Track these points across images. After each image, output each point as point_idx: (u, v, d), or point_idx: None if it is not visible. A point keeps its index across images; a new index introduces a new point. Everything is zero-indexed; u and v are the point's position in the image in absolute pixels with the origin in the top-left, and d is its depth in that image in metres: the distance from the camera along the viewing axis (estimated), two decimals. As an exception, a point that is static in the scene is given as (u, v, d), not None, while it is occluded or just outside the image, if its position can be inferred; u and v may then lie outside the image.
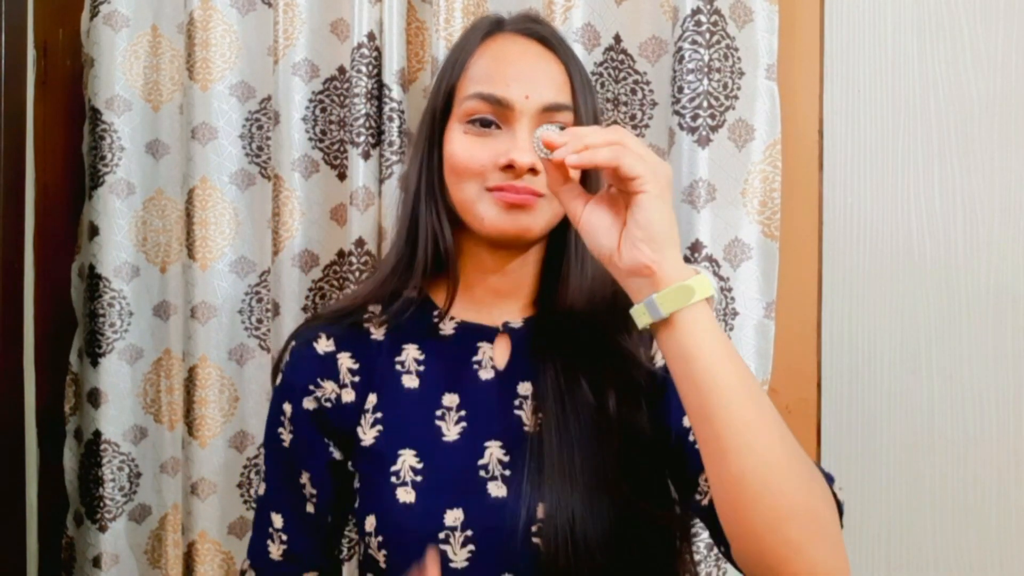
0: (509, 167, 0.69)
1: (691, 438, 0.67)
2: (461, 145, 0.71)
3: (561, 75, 0.73)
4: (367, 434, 0.73)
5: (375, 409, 0.74)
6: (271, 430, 0.78)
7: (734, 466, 0.55)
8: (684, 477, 0.69)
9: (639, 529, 0.68)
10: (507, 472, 0.69)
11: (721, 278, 0.98)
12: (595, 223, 0.61)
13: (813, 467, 0.59)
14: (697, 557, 0.94)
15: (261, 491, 0.79)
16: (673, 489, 0.73)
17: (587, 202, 0.62)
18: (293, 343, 0.78)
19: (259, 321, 1.13)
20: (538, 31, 0.76)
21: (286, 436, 0.76)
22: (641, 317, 0.59)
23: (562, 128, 0.69)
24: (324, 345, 0.77)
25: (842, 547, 0.56)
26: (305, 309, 1.06)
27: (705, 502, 0.65)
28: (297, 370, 0.77)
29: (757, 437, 0.55)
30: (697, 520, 0.92)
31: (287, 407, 0.76)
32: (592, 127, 0.62)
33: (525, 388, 0.73)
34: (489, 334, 0.76)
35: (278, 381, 0.78)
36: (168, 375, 1.17)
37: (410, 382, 0.75)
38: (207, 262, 1.10)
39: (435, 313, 0.77)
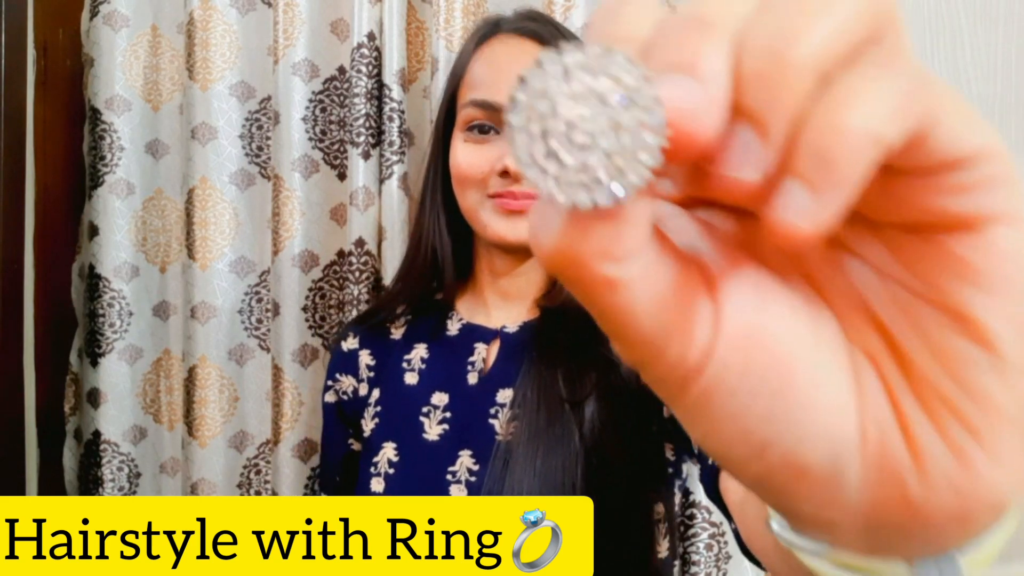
0: (506, 173, 0.68)
1: None
2: (462, 153, 0.72)
3: None
4: (367, 426, 0.76)
5: (376, 403, 0.77)
6: (322, 418, 0.86)
7: None
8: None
9: (601, 539, 0.66)
10: (473, 479, 0.69)
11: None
12: (788, 349, 0.17)
13: None
14: (696, 557, 0.94)
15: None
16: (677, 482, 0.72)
17: (715, 279, 0.17)
18: (333, 342, 0.87)
19: (259, 321, 1.13)
20: (533, 29, 0.74)
21: (324, 425, 0.84)
22: None
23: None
24: (350, 343, 0.82)
25: None
26: (305, 309, 1.06)
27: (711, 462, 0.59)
28: (329, 366, 0.84)
29: None
30: (696, 522, 0.93)
31: (324, 397, 0.84)
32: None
33: (504, 395, 0.72)
34: (487, 336, 0.76)
35: None
36: (168, 375, 1.17)
37: (411, 379, 0.76)
38: (207, 262, 1.10)
39: (448, 314, 0.78)
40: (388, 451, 0.72)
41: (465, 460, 0.70)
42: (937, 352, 0.16)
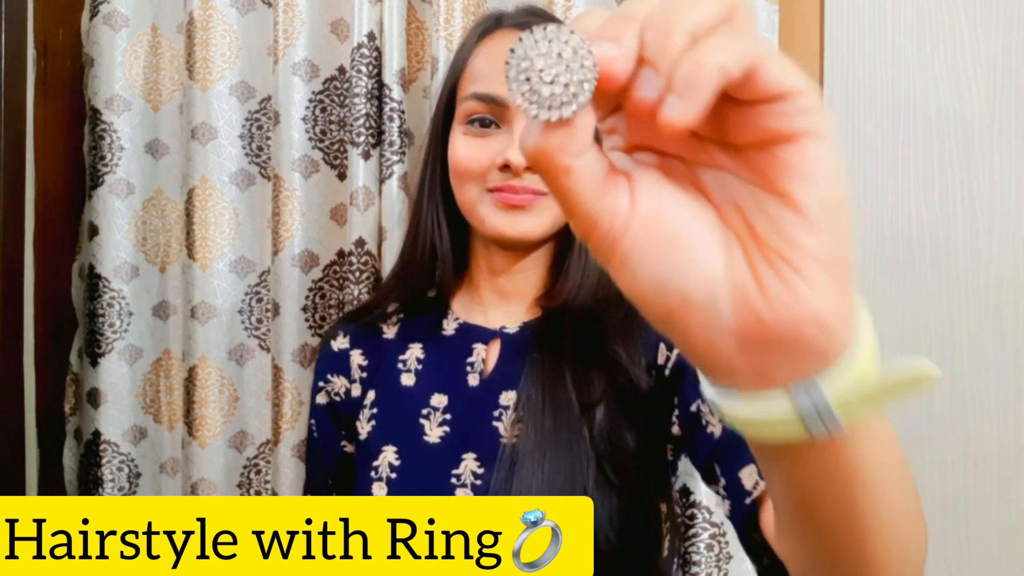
0: (507, 167, 0.68)
1: (708, 429, 0.64)
2: (461, 147, 0.71)
3: None
4: (363, 428, 0.75)
5: (372, 405, 0.76)
6: (309, 420, 0.84)
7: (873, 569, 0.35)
8: (711, 476, 0.65)
9: (612, 542, 0.65)
10: (478, 483, 0.69)
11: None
12: (677, 223, 0.27)
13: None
14: (696, 557, 0.94)
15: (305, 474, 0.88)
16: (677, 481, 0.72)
17: (633, 180, 0.27)
18: (322, 341, 0.83)
19: (259, 321, 1.13)
20: (535, 25, 0.73)
21: (315, 428, 0.82)
22: (770, 426, 0.28)
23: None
24: (340, 342, 0.80)
25: None
26: (305, 309, 1.06)
27: (749, 500, 0.58)
28: (318, 366, 0.82)
29: (910, 539, 0.37)
30: (696, 522, 0.93)
31: (315, 399, 0.82)
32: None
33: (507, 398, 0.71)
34: (485, 336, 0.75)
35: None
36: (168, 375, 1.17)
37: (407, 380, 0.75)
38: (207, 262, 1.10)
39: (444, 313, 0.78)
40: (388, 455, 0.71)
41: (469, 463, 0.69)
42: (771, 221, 0.25)
